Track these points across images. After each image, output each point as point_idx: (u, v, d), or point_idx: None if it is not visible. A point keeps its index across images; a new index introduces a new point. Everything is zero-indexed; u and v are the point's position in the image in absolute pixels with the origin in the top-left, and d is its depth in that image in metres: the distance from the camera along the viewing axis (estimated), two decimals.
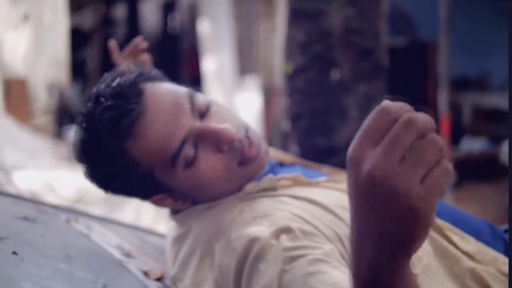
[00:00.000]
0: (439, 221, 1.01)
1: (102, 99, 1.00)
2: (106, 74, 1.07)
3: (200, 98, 1.05)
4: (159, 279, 1.11)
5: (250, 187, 1.06)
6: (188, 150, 1.01)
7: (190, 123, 1.02)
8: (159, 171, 1.02)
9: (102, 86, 1.03)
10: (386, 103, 0.54)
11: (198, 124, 1.02)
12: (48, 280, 0.93)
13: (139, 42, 1.38)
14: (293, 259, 0.86)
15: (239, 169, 1.05)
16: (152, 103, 1.01)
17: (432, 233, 1.00)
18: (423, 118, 0.52)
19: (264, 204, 1.00)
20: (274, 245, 0.90)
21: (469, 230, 1.06)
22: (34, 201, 1.46)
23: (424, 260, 0.97)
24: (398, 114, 0.53)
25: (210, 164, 1.02)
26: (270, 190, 1.05)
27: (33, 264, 0.98)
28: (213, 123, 1.04)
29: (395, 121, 0.53)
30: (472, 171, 4.58)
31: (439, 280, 0.97)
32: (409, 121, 0.52)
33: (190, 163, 1.01)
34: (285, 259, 0.87)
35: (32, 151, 4.01)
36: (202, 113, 1.04)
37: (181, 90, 1.05)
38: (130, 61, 1.35)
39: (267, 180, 1.05)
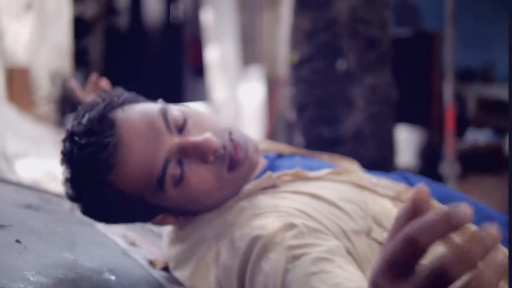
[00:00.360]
0: None
1: (76, 138, 0.99)
2: (78, 109, 1.05)
3: (174, 111, 1.02)
4: (164, 269, 1.10)
5: (249, 187, 1.04)
6: (174, 169, 0.98)
7: (168, 141, 0.99)
8: (150, 195, 1.00)
9: (75, 123, 1.01)
10: (414, 229, 0.45)
11: (177, 140, 1.00)
12: (52, 269, 0.92)
13: (95, 78, 1.34)
14: (296, 257, 0.86)
15: (230, 175, 1.03)
16: (126, 132, 0.98)
17: None
18: (462, 260, 0.43)
19: (266, 201, 0.99)
20: (277, 243, 0.88)
21: (481, 219, 1.05)
22: (37, 190, 1.45)
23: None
24: (428, 245, 0.45)
25: (199, 177, 1.00)
26: (270, 188, 1.03)
27: (36, 252, 0.97)
28: (193, 135, 1.01)
29: (424, 252, 0.45)
30: (476, 163, 4.57)
31: None
32: (441, 270, 0.44)
33: (179, 181, 0.99)
34: (288, 258, 0.86)
35: (34, 140, 4.00)
36: (180, 127, 1.01)
37: (153, 109, 1.02)
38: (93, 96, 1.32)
39: (266, 178, 1.03)
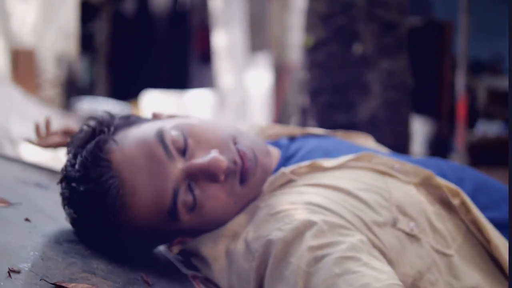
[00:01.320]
0: (473, 208, 0.97)
1: (73, 184, 0.91)
2: (68, 146, 0.97)
3: (173, 132, 0.94)
4: (180, 253, 1.06)
5: (265, 187, 0.98)
6: (185, 196, 0.92)
7: (172, 170, 0.91)
8: (165, 225, 0.94)
9: (68, 165, 0.93)
10: None
11: (182, 166, 0.92)
12: (62, 249, 0.88)
13: (42, 126, 1.27)
14: (318, 259, 0.82)
15: (243, 188, 0.96)
16: (125, 169, 0.90)
17: (464, 216, 0.96)
18: None
19: (281, 198, 0.94)
20: (296, 245, 0.84)
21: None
22: (45, 168, 1.40)
23: (458, 239, 0.93)
24: None
25: (212, 198, 0.94)
26: (286, 183, 0.98)
27: (46, 231, 0.92)
28: (198, 155, 0.93)
29: None
30: (486, 155, 4.53)
31: (473, 261, 0.94)
32: None
33: (193, 207, 0.93)
34: (310, 260, 0.82)
35: (39, 123, 3.97)
36: (182, 149, 0.93)
37: (149, 134, 0.93)
38: (54, 138, 1.27)
39: (280, 175, 0.98)
